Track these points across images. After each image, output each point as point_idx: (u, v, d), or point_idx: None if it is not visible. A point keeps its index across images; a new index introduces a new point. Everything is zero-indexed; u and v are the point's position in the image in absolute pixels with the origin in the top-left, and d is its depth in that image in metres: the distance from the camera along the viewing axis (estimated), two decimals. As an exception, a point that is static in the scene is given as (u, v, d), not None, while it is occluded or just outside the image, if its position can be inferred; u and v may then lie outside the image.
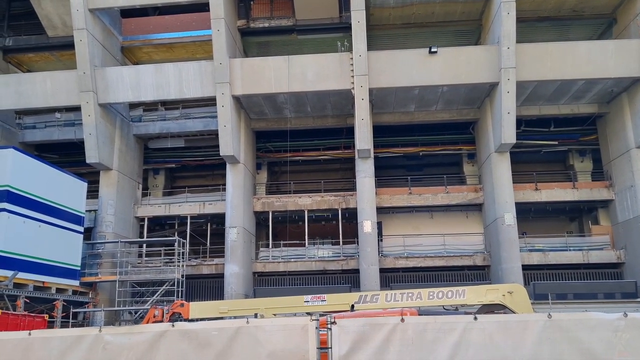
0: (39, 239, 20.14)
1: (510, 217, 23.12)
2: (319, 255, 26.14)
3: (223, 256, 26.52)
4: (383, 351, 6.21)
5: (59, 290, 21.13)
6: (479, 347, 6.15)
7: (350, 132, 27.36)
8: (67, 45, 26.66)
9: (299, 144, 28.50)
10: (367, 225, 23.68)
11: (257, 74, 23.57)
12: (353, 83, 23.00)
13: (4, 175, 18.84)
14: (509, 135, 22.60)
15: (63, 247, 21.68)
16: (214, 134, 28.54)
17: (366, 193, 24.29)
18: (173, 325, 5.34)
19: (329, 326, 6.59)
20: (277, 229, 28.30)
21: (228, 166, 25.19)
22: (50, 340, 5.36)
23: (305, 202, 26.47)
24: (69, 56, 27.61)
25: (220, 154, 24.18)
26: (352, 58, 22.94)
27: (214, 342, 5.26)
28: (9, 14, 27.50)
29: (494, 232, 24.06)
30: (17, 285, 18.96)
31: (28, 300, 19.32)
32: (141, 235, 27.51)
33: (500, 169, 23.78)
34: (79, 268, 22.72)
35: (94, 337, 5.26)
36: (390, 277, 25.00)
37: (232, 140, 23.87)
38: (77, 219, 22.73)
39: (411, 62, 23.05)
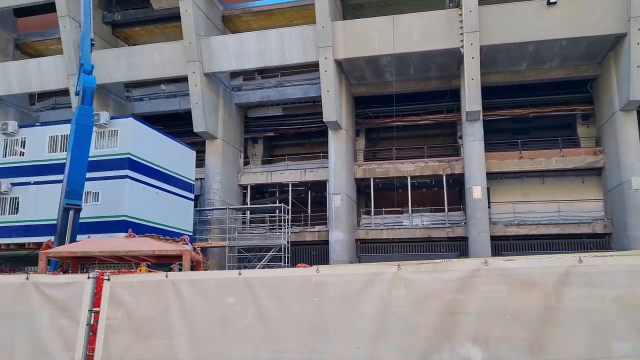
0: (156, 205, 20.94)
1: (638, 181, 21.26)
2: (422, 222, 25.48)
3: (324, 223, 26.61)
4: None
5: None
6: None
7: (454, 94, 26.20)
8: (171, 17, 27.25)
9: (398, 109, 27.68)
10: (476, 191, 22.70)
11: (360, 37, 22.92)
12: (462, 41, 21.81)
13: (125, 143, 19.61)
14: (639, 91, 20.61)
15: (177, 213, 22.48)
16: (312, 102, 28.44)
17: (475, 158, 23.23)
18: (486, 263, 4.96)
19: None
20: (376, 196, 27.90)
21: (330, 132, 24.94)
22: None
23: (408, 168, 25.79)
24: (172, 28, 28.28)
25: (324, 120, 23.94)
26: (461, 14, 21.69)
27: (539, 283, 4.81)
28: (117, -11, 28.46)
29: (618, 197, 22.29)
30: (140, 249, 19.85)
31: (150, 264, 20.22)
32: (244, 203, 28.08)
33: (627, 128, 21.85)
34: (191, 234, 23.53)
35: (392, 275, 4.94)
36: (501, 245, 23.94)
37: (335, 105, 23.51)
38: (189, 187, 23.45)
39: (526, 16, 21.46)
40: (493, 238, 23.43)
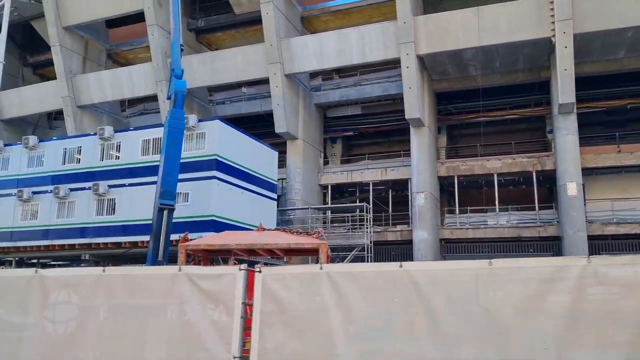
0: (242, 205, 21.34)
1: None
2: (510, 221, 24.41)
3: (405, 223, 26.17)
4: None
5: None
6: None
7: (543, 87, 24.95)
8: (251, 21, 27.82)
9: (483, 104, 26.73)
10: (571, 188, 21.44)
11: (443, 30, 22.31)
12: (554, 30, 20.68)
13: (212, 145, 20.12)
14: None
15: (261, 213, 22.77)
16: (392, 99, 28.06)
17: (569, 153, 21.96)
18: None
19: None
20: (459, 194, 27.04)
21: (412, 130, 24.46)
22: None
23: (495, 165, 24.80)
24: (252, 32, 28.84)
25: (406, 117, 23.52)
26: (552, 2, 20.57)
27: None
28: (200, -4, 29.42)
29: None
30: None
31: (237, 263, 20.63)
32: (324, 203, 28.13)
33: None
34: (275, 233, 23.82)
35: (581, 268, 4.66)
36: (598, 245, 22.46)
37: (417, 102, 23.01)
38: (271, 187, 23.74)
39: (624, 0, 20.01)
40: (590, 238, 22.02)
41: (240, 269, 5.69)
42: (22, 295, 5.95)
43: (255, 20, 27.86)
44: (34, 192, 22.41)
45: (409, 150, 26.72)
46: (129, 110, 33.36)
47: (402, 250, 25.51)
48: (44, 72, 34.43)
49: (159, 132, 20.91)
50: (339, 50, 23.87)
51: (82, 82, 28.82)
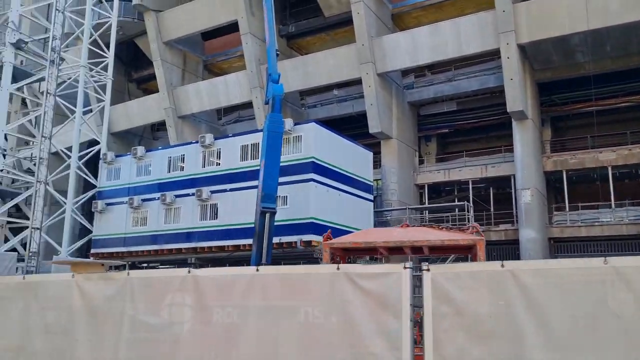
0: (339, 206, 21.20)
1: None
2: (627, 217, 22.39)
3: (509, 222, 24.85)
4: None
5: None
6: None
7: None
8: (341, 22, 27.78)
9: (590, 93, 24.85)
10: (702, 179, 19.26)
11: (547, 16, 20.91)
12: (674, 6, 18.72)
13: (309, 148, 20.16)
14: None
15: (358, 214, 22.56)
16: (489, 93, 26.85)
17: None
18: None
19: None
20: (567, 190, 25.27)
21: (514, 123, 23.16)
22: None
23: (609, 157, 22.91)
24: (342, 33, 28.77)
25: (508, 110, 22.30)
26: (672, -26, 18.66)
27: None
28: (289, 2, 29.77)
29: None
30: (327, 250, 20.23)
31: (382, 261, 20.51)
32: (421, 203, 27.38)
33: None
34: (372, 235, 23.47)
35: None
36: None
37: (520, 93, 21.75)
38: (367, 188, 23.44)
39: None
40: None
41: (406, 267, 5.22)
42: (175, 296, 5.98)
43: (345, 21, 27.78)
44: (143, 200, 23.63)
45: (511, 145, 25.39)
46: (225, 118, 34.48)
47: (506, 251, 24.20)
48: (147, 86, 36.46)
49: (256, 138, 21.35)
50: (433, 45, 23.14)
51: (181, 93, 30.14)
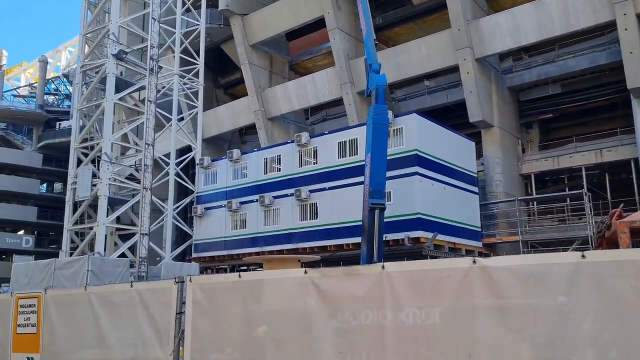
0: (445, 200, 20.13)
1: None
2: None
3: (630, 211, 22.60)
4: None
5: (467, 252, 20.83)
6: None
7: None
8: (430, 9, 26.70)
9: None
10: None
11: (670, -21, 18.77)
12: None
13: (412, 140, 19.25)
14: None
15: (464, 208, 21.37)
16: (598, 72, 24.70)
17: None
18: None
19: None
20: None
21: (635, 101, 21.03)
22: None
23: None
24: (431, 21, 27.66)
25: (628, 87, 20.30)
26: None
27: None
28: (377, -7, 28.98)
29: None
30: (435, 247, 19.21)
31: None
32: (527, 193, 25.63)
33: None
34: (479, 229, 22.19)
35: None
36: None
37: (641, 68, 19.69)
38: (472, 180, 22.18)
39: None
40: None
41: None
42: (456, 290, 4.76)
43: (434, 8, 26.68)
44: (242, 202, 23.65)
45: (627, 127, 23.30)
46: (312, 118, 34.18)
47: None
48: (233, 91, 36.94)
49: (353, 134, 20.77)
50: (537, 24, 21.48)
51: (270, 95, 30.10)
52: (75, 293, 7.84)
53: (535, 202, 24.91)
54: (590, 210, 21.66)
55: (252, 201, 23.31)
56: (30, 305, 7.62)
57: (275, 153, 23.31)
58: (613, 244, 6.51)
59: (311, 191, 21.42)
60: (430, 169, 19.59)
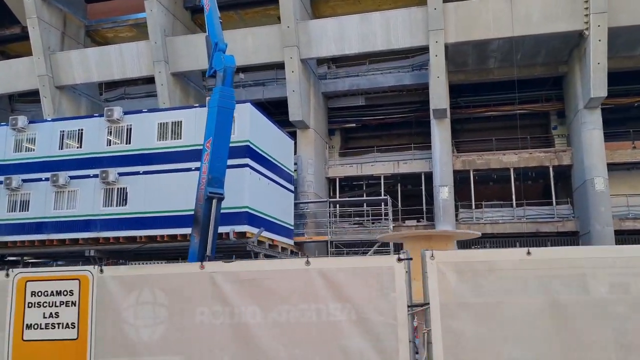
0: (268, 196, 19.69)
1: None
2: (527, 215, 24.20)
3: (415, 218, 25.49)
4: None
5: (282, 249, 20.72)
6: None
7: (556, 82, 25.07)
8: (254, 2, 26.27)
9: (491, 98, 26.65)
10: (599, 183, 21.46)
11: (473, 19, 21.68)
12: (587, 22, 20.55)
13: (244, 130, 18.33)
14: None
15: (282, 205, 21.23)
16: (401, 90, 27.27)
17: (595, 147, 21.99)
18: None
19: None
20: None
21: (434, 121, 23.69)
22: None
23: (511, 159, 24.54)
24: (253, 14, 27.24)
25: (432, 108, 22.75)
26: (587, -6, 20.45)
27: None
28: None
29: None
30: (258, 243, 18.60)
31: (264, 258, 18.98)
32: (332, 196, 26.84)
33: None
34: (292, 227, 22.30)
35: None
36: (617, 240, 22.65)
37: (444, 92, 22.28)
38: (290, 178, 22.20)
39: (658, -4, 20.22)
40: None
41: None
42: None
43: (258, 1, 26.33)
44: (25, 180, 19.64)
45: (418, 143, 26.27)
46: (107, 94, 30.52)
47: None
48: (6, 48, 30.83)
49: (177, 116, 19.06)
50: (361, 35, 22.67)
51: (63, 59, 25.85)
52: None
53: (338, 205, 26.21)
54: (390, 215, 23.62)
55: (39, 179, 19.45)
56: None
57: (76, 126, 19.81)
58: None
59: (121, 174, 18.81)
60: (259, 163, 18.94)
